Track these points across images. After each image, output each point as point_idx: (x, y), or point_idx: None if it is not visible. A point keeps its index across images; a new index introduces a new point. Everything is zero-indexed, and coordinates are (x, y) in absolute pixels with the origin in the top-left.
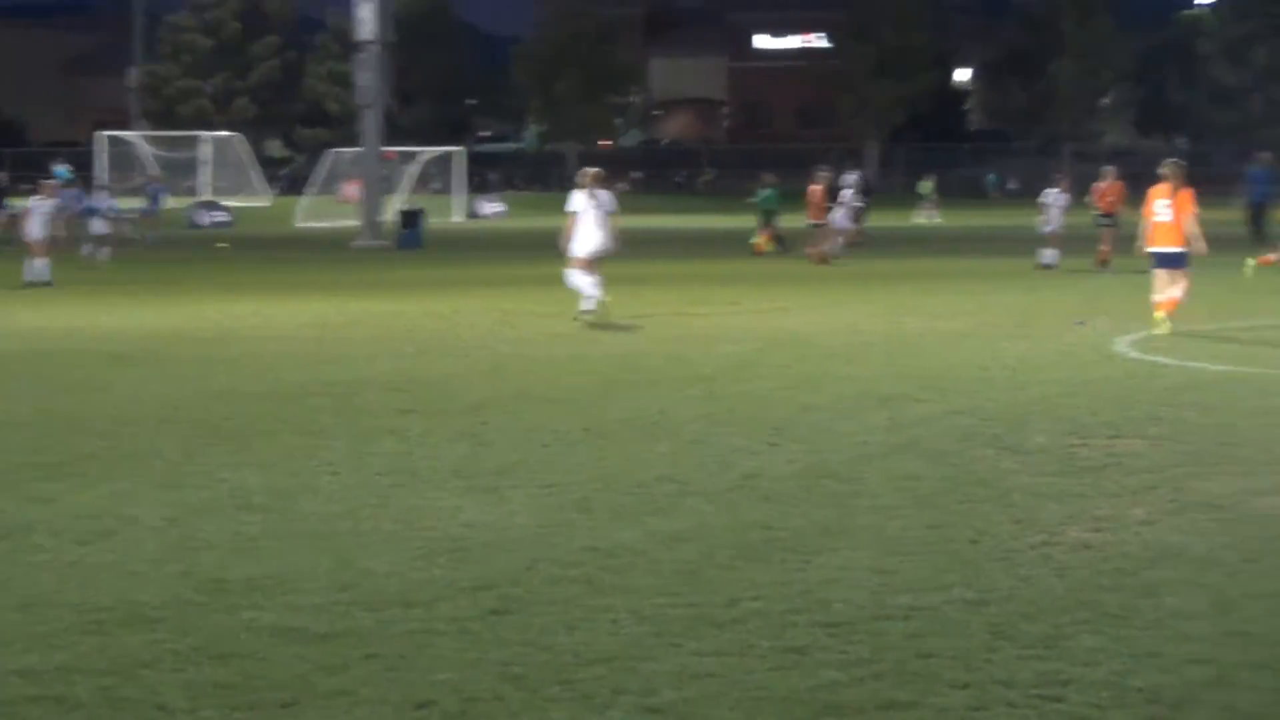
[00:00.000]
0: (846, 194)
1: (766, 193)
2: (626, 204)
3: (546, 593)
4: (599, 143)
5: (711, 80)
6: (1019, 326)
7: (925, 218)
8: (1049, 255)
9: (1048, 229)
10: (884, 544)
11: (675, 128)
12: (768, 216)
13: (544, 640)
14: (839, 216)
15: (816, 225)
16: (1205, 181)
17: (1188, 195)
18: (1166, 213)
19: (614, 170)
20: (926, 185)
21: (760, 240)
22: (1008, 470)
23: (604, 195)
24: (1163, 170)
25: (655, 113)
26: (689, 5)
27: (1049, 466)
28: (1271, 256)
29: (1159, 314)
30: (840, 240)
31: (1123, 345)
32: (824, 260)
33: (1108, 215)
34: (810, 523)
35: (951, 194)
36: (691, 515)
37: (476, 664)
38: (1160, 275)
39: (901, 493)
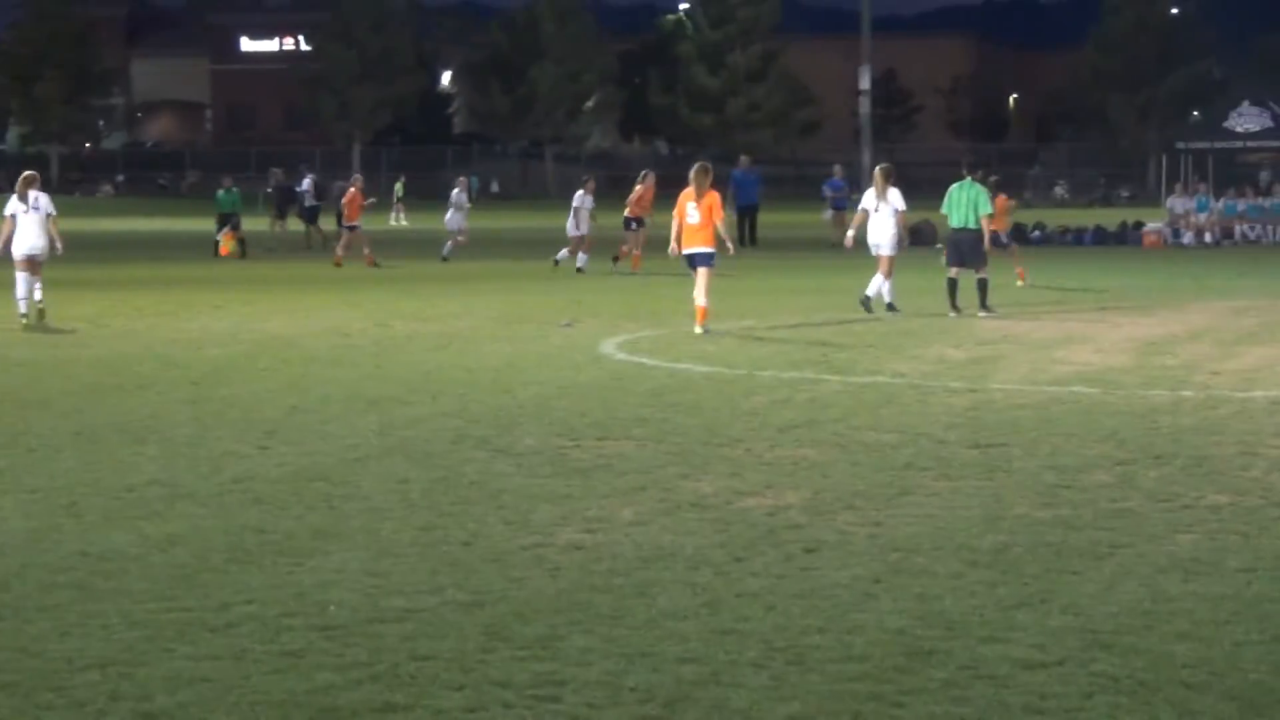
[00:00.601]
0: (306, 195)
1: (222, 194)
2: (110, 207)
3: (37, 599)
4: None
5: (195, 82)
6: (505, 328)
7: (394, 220)
8: (580, 259)
9: (575, 232)
10: (377, 546)
11: (159, 130)
12: (227, 218)
13: (36, 647)
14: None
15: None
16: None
17: (715, 198)
18: (696, 215)
19: (96, 173)
20: (399, 188)
21: (225, 241)
22: (499, 472)
23: (43, 198)
24: (691, 173)
25: (138, 115)
26: (170, 6)
27: (540, 468)
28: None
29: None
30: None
31: (609, 347)
32: (337, 260)
33: (637, 219)
34: (303, 525)
35: (441, 197)
36: (184, 519)
37: None
38: (697, 275)
39: (393, 495)
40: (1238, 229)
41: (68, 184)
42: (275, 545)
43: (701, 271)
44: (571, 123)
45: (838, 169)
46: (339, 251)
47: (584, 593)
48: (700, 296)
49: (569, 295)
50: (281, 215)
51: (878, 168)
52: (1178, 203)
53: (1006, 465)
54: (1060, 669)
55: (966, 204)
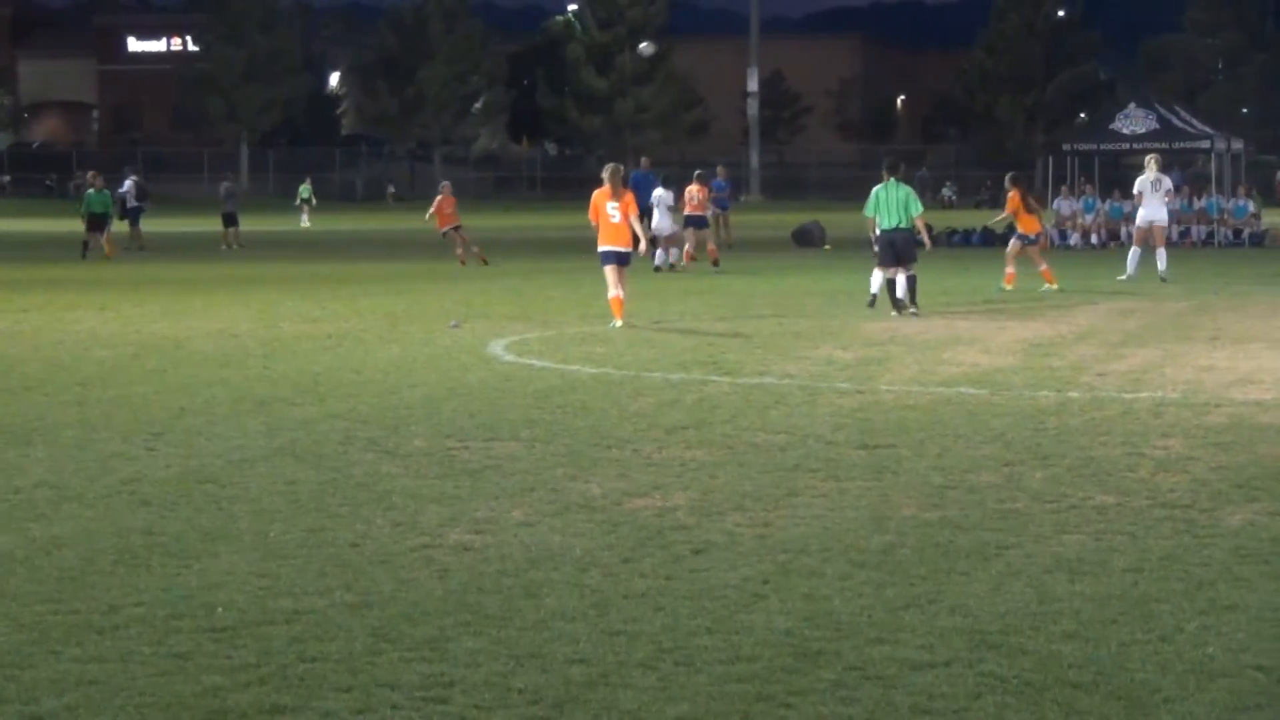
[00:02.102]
0: (129, 195)
1: (93, 194)
2: None
3: None
4: None
5: (81, 82)
6: (392, 329)
7: (303, 222)
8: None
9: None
10: (265, 548)
11: (45, 130)
12: (99, 219)
13: None
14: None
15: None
16: (578, 185)
17: (630, 197)
18: (616, 214)
19: None
20: (305, 189)
21: (107, 245)
22: (387, 473)
23: None
24: (604, 174)
25: (24, 115)
26: (55, 6)
27: (428, 469)
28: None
29: (616, 310)
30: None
31: (498, 348)
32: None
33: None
34: (191, 527)
35: (334, 198)
36: (71, 521)
37: None
38: (613, 272)
39: (281, 497)
40: (1124, 231)
41: None
42: (163, 547)
43: (623, 270)
44: (460, 124)
45: (720, 170)
46: (474, 251)
47: (472, 594)
48: (619, 289)
49: (457, 296)
50: None
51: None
52: (1064, 204)
53: (894, 466)
54: (948, 669)
55: (897, 204)
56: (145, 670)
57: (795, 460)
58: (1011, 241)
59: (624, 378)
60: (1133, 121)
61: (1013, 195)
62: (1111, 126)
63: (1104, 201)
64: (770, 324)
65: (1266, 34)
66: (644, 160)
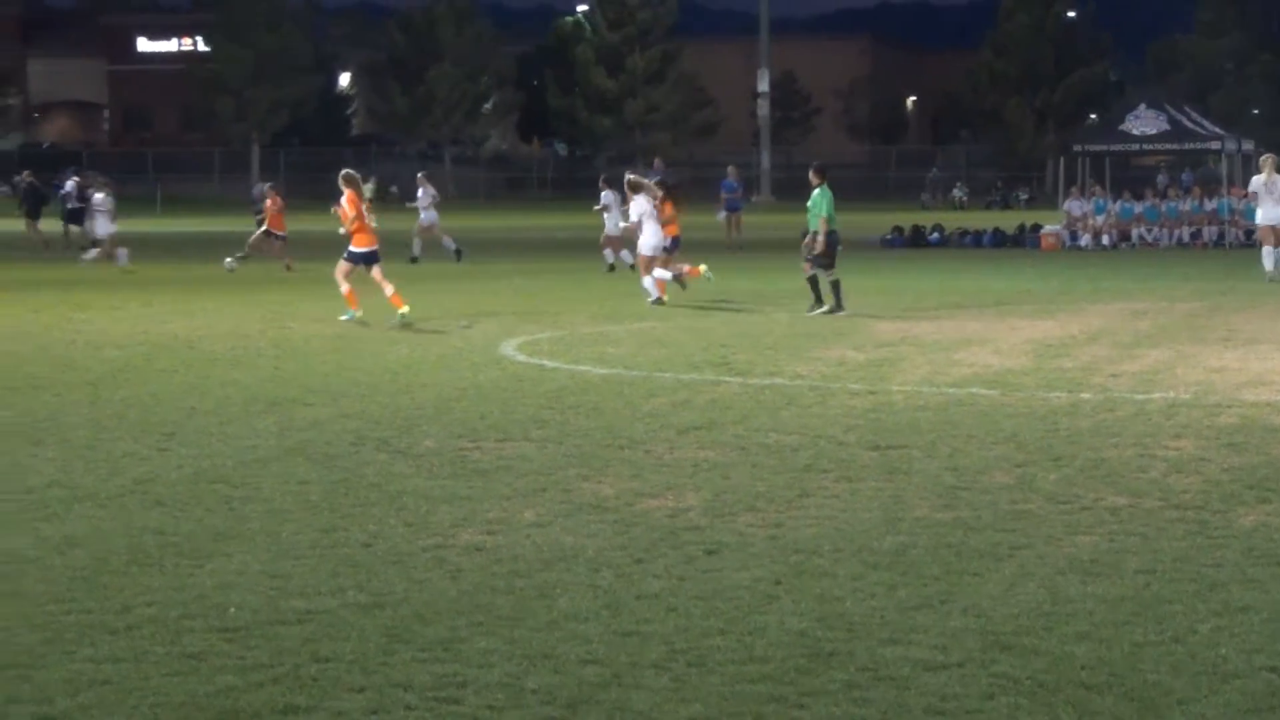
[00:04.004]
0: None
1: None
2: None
3: None
4: None
5: (91, 83)
6: (404, 329)
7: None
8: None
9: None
10: (277, 548)
11: (56, 131)
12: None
13: None
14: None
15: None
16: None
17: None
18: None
19: None
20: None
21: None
22: (399, 474)
23: None
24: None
25: (35, 115)
26: (65, 6)
27: (440, 470)
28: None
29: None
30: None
31: (509, 348)
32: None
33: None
34: (203, 527)
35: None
36: (83, 521)
37: None
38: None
39: (293, 497)
40: (1135, 232)
41: None
42: (175, 547)
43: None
44: (470, 124)
45: (731, 170)
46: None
47: (485, 594)
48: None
49: (468, 296)
50: (33, 216)
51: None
52: (1075, 205)
53: (906, 467)
54: (961, 670)
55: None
56: (158, 670)
57: (807, 461)
58: None
59: (636, 378)
60: (1143, 122)
61: None
62: (1122, 127)
63: (1115, 202)
64: (781, 324)
65: (1272, 35)
66: (656, 161)
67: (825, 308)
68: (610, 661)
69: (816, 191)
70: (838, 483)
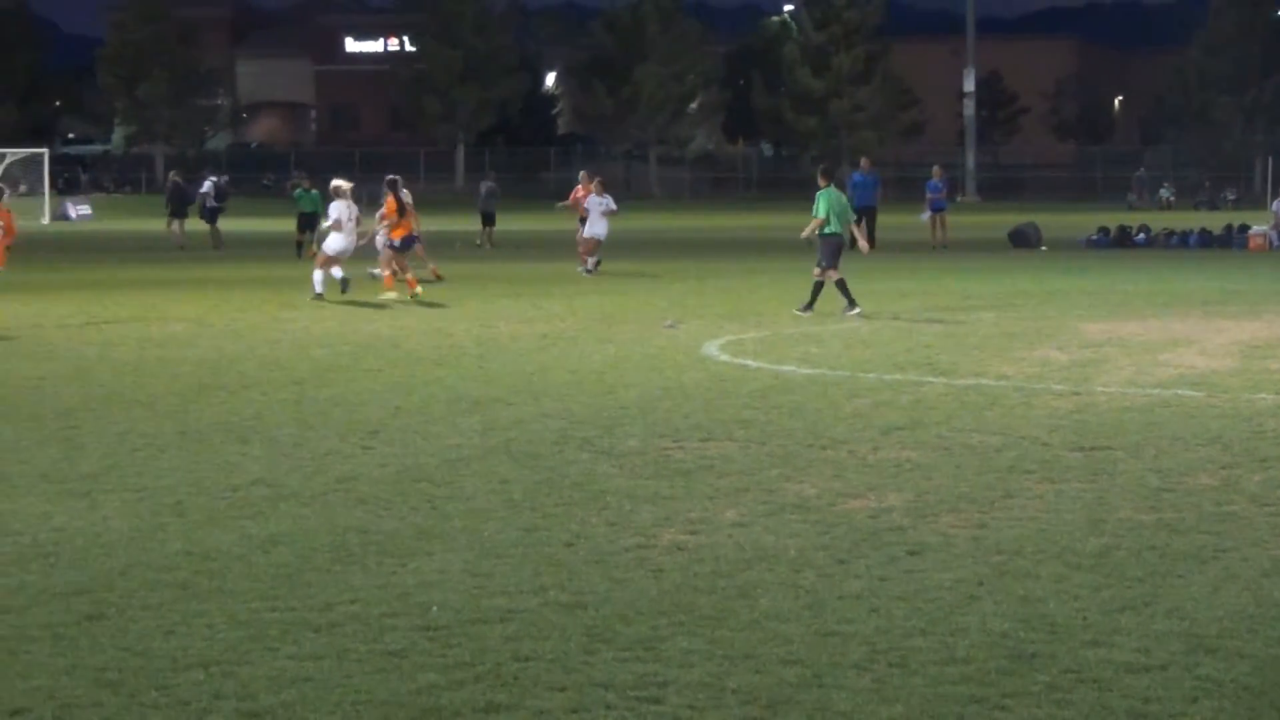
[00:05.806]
0: (207, 197)
1: (300, 193)
2: None
3: (142, 597)
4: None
5: (299, 83)
6: (608, 329)
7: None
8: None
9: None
10: (480, 547)
11: (263, 130)
12: (310, 219)
13: (140, 645)
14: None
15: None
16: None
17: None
18: None
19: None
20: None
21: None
22: (601, 473)
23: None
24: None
25: (243, 115)
26: (274, 7)
27: (643, 469)
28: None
29: None
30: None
31: (712, 349)
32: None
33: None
34: (405, 526)
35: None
36: (287, 519)
37: (72, 670)
38: None
39: (496, 496)
40: None
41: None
42: (378, 545)
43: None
44: (675, 124)
45: (936, 170)
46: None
47: (686, 594)
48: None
49: (672, 296)
50: (178, 216)
51: None
52: None
53: (1110, 468)
54: (1164, 673)
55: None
56: (360, 668)
57: (1010, 462)
58: None
59: (839, 378)
60: None
61: None
62: None
63: None
64: (986, 325)
65: None
66: (864, 162)
67: (858, 309)
68: (811, 662)
69: (819, 193)
70: (1041, 484)
